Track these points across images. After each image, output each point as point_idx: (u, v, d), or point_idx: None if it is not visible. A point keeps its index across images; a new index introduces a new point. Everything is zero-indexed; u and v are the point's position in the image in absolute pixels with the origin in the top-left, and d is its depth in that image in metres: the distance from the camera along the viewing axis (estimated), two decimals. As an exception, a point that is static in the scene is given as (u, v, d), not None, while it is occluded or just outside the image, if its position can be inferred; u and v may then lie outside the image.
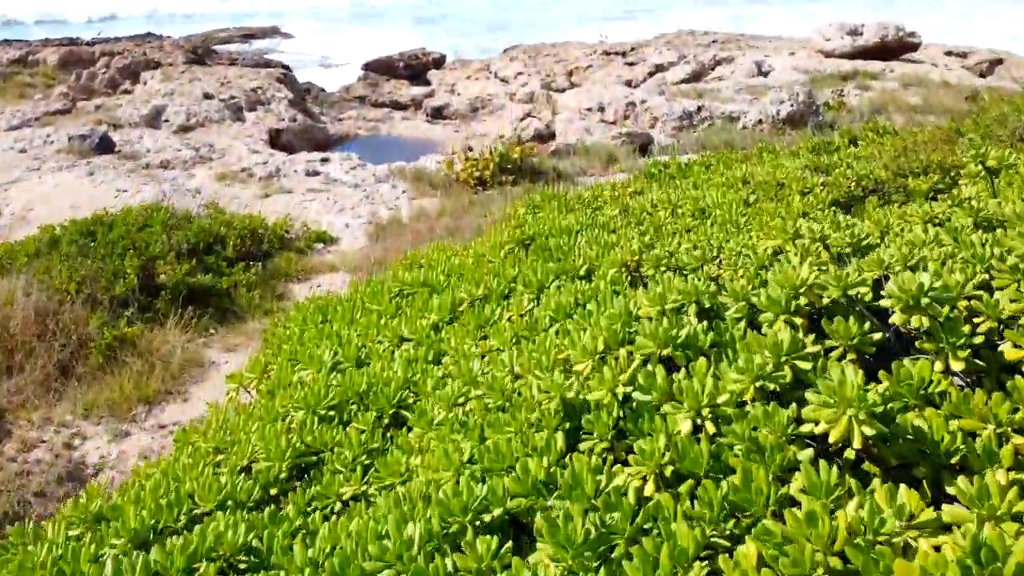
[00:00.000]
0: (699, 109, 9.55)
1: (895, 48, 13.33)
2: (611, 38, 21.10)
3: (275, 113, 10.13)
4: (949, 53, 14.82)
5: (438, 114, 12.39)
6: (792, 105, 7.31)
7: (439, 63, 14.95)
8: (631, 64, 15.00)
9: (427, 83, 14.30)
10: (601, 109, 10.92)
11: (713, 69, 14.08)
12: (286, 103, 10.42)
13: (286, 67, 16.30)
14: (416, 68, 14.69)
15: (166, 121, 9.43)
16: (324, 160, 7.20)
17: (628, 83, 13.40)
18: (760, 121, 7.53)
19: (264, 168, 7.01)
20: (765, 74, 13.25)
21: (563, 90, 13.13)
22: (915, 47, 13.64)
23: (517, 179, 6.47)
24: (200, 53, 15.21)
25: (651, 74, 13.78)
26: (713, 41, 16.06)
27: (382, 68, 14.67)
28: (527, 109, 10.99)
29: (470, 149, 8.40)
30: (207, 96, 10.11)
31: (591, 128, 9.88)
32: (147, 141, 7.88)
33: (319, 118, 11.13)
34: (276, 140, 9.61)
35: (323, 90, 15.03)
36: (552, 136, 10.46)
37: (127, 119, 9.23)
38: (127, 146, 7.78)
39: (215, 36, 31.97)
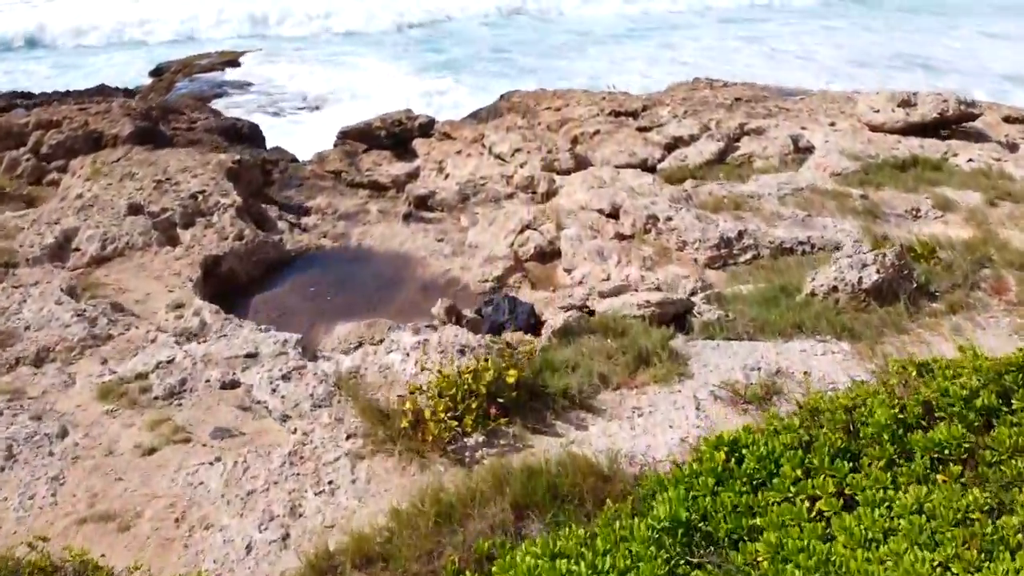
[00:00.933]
0: (740, 235, 7.69)
1: (952, 119, 11.52)
2: (619, 85, 19.27)
3: (217, 228, 8.25)
4: (1009, 120, 12.98)
5: (422, 204, 10.54)
6: (879, 271, 5.47)
7: (426, 129, 13.11)
8: (644, 130, 13.15)
9: (412, 155, 12.45)
10: (614, 216, 9.06)
11: (738, 140, 12.23)
12: (233, 212, 8.55)
13: (252, 129, 14.43)
14: (400, 135, 12.85)
15: (76, 251, 7.58)
16: (250, 356, 5.33)
17: (644, 165, 11.53)
18: (835, 288, 5.67)
19: (167, 374, 5.15)
20: (803, 150, 11.42)
21: (567, 171, 11.29)
22: (974, 117, 11.82)
23: (511, 412, 4.61)
24: (155, 117, 13.34)
25: (669, 149, 11.93)
26: (736, 99, 14.21)
27: (361, 136, 12.82)
28: (527, 217, 9.10)
29: (450, 314, 6.53)
30: (133, 210, 8.24)
31: (605, 251, 8.02)
32: (29, 309, 6.01)
33: (276, 223, 9.25)
34: (214, 270, 7.74)
35: (294, 160, 13.17)
36: (556, 254, 8.62)
37: (26, 252, 7.37)
38: (1, 319, 5.92)
39: (195, 63, 30.24)
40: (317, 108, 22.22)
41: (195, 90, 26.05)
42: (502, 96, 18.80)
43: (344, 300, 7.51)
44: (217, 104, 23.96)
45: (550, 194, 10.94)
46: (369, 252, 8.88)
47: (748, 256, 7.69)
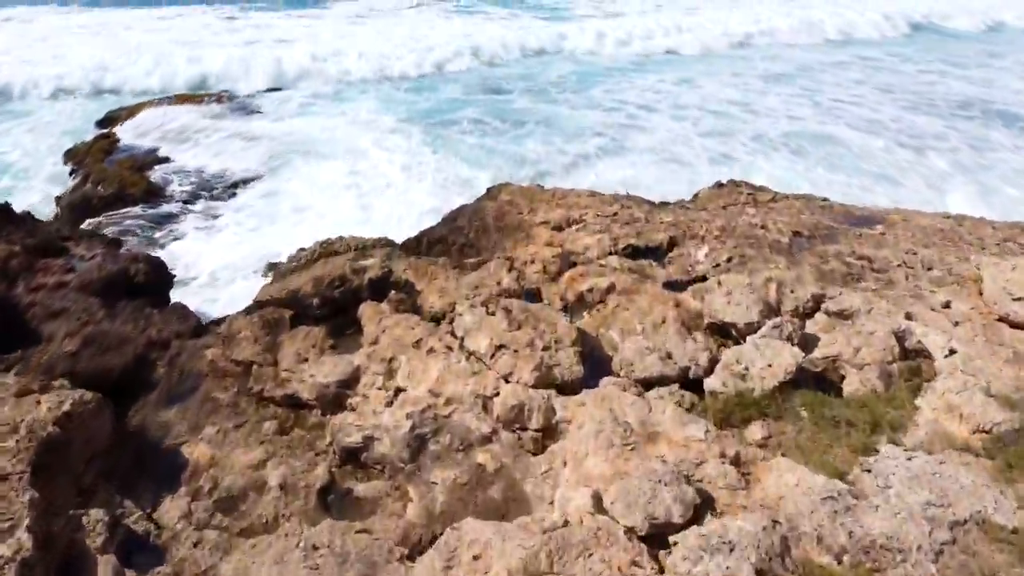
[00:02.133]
0: None
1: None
2: (631, 188, 15.78)
3: None
4: None
5: (354, 459, 7.01)
6: None
7: (379, 287, 9.54)
8: (674, 287, 9.62)
9: (358, 331, 8.89)
10: (663, 541, 5.47)
11: (813, 315, 8.72)
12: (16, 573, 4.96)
13: (153, 271, 10.80)
14: (340, 302, 9.33)
15: None
16: None
17: (685, 377, 7.95)
18: None
19: None
20: (914, 355, 7.91)
21: (572, 384, 7.76)
22: None
23: None
24: (13, 270, 9.75)
25: (714, 332, 8.35)
26: (796, 234, 10.66)
27: (287, 304, 9.28)
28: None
29: None
30: None
31: None
32: None
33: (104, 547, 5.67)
34: None
35: (197, 329, 9.57)
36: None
37: None
38: None
39: (142, 106, 26.71)
40: (266, 190, 18.63)
41: (137, 153, 22.58)
42: (489, 191, 15.36)
43: None
44: (155, 173, 20.50)
45: (548, 434, 7.40)
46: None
47: None
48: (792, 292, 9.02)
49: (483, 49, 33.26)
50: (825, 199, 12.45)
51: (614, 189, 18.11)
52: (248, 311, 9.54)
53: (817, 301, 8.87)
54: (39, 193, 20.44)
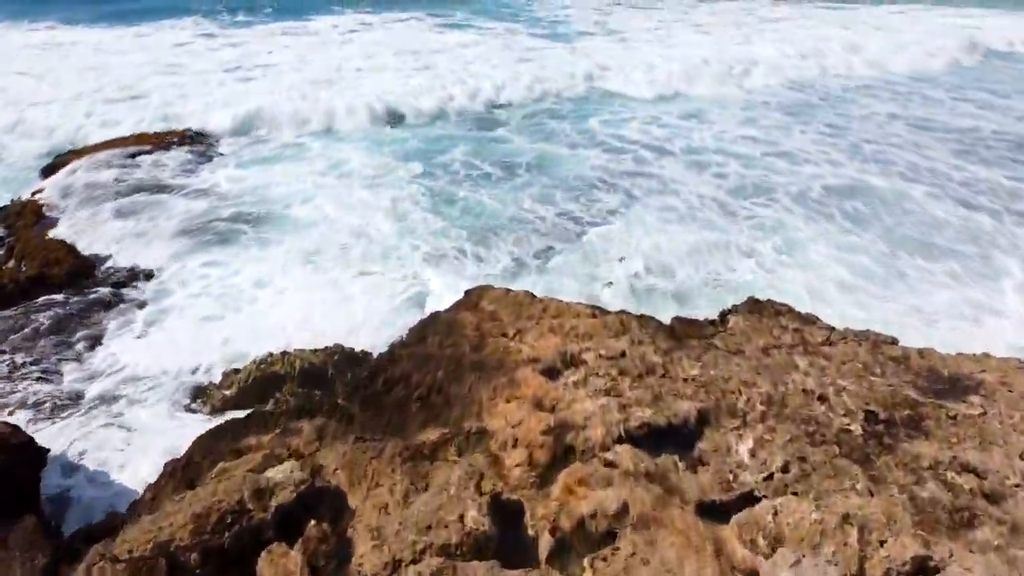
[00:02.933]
0: None
1: None
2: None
3: None
4: None
5: None
6: None
7: (293, 516, 6.79)
8: (707, 511, 6.90)
9: None
10: None
11: None
12: None
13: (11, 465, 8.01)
14: (233, 550, 6.55)
15: None
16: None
17: None
18: None
19: None
20: None
21: None
22: None
23: None
24: None
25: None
26: (867, 412, 7.86)
27: (163, 553, 6.55)
28: None
29: None
30: None
31: None
32: None
33: None
34: None
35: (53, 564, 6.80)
36: None
37: None
38: None
39: (93, 149, 23.99)
40: (215, 274, 15.81)
41: (72, 216, 19.87)
42: (468, 295, 12.70)
43: None
44: (88, 245, 17.83)
45: None
46: None
47: None
48: (882, 547, 6.23)
49: (483, 92, 30.12)
50: (894, 340, 9.63)
51: (622, 279, 15.34)
52: (115, 560, 6.73)
53: (919, 568, 6.09)
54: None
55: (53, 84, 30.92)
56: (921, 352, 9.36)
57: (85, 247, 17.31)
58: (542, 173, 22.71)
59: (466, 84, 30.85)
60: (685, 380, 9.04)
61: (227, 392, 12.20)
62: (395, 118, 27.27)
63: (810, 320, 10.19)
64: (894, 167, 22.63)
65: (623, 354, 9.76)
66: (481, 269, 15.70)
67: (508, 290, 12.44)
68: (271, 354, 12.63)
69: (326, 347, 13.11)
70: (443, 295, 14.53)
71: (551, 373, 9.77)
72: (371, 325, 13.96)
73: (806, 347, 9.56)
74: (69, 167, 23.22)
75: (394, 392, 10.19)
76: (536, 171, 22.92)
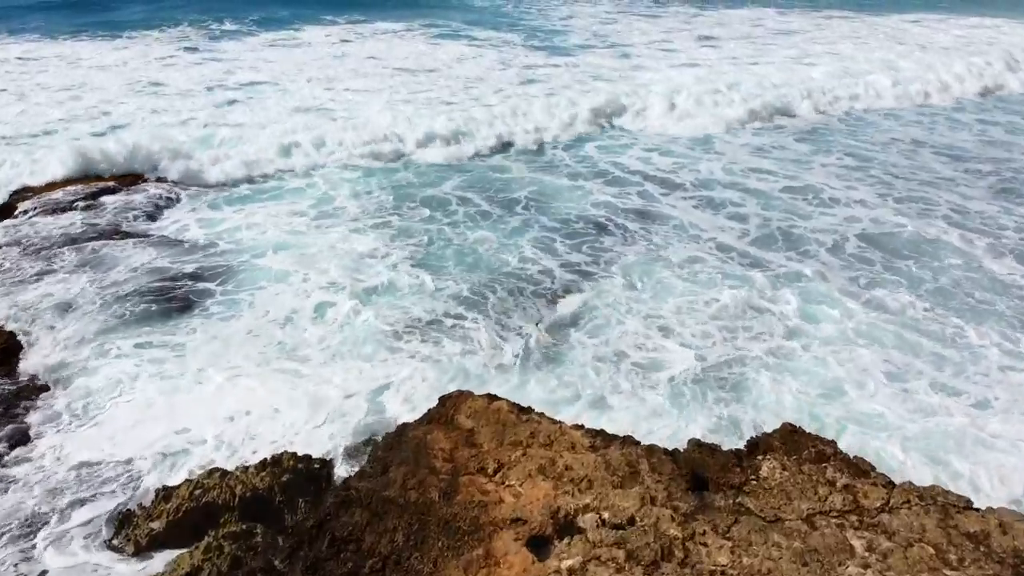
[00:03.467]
0: None
1: None
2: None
3: None
4: None
5: None
6: None
7: None
8: None
9: None
10: None
11: None
12: None
13: None
14: None
15: None
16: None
17: None
18: None
19: None
20: None
21: None
22: None
23: None
24: None
25: None
26: None
27: None
28: None
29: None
30: None
31: None
32: None
33: None
34: None
35: None
36: None
37: None
38: None
39: (48, 189, 22.09)
40: (158, 356, 13.76)
41: (12, 275, 17.96)
42: (443, 402, 10.86)
43: None
44: (18, 317, 15.92)
45: None
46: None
47: None
48: None
49: (480, 134, 27.79)
50: (968, 503, 7.59)
51: (628, 370, 13.32)
52: None
53: None
54: None
55: (20, 109, 28.99)
56: (1002, 525, 7.30)
57: (13, 320, 15.27)
58: (541, 212, 20.74)
59: (461, 117, 28.61)
60: (711, 569, 7.01)
61: (154, 525, 10.17)
62: (391, 155, 25.33)
63: (863, 471, 8.14)
64: (936, 210, 20.50)
65: (632, 520, 7.74)
66: (467, 348, 13.70)
67: (490, 398, 10.50)
68: (208, 474, 10.62)
69: (276, 458, 11.13)
70: (417, 387, 12.56)
71: (539, 542, 7.77)
72: (333, 425, 11.98)
73: (861, 517, 7.51)
74: (27, 203, 21.34)
75: (343, 557, 8.19)
76: (535, 209, 20.96)
